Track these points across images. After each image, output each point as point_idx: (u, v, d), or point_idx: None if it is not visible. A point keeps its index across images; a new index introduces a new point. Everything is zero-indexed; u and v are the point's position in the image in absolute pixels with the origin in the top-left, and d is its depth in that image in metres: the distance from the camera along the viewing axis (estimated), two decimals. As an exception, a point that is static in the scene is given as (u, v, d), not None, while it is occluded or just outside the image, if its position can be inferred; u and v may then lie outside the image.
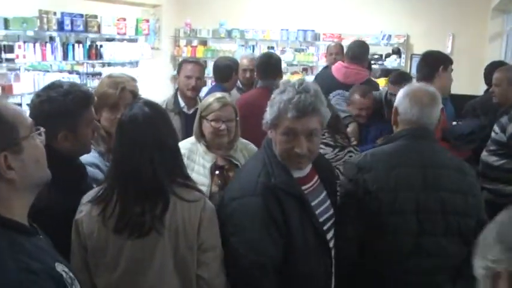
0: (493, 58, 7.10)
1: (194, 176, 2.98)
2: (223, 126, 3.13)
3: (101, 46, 9.18)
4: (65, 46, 8.39)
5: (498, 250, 0.92)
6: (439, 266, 2.55)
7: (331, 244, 2.46)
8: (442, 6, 10.40)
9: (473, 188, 2.66)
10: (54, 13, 8.07)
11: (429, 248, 2.52)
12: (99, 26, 8.97)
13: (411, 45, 10.96)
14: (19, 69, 7.59)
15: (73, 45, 8.55)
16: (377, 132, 4.44)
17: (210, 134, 3.16)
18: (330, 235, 2.46)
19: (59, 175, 2.04)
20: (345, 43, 7.08)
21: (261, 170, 2.31)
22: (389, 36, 10.85)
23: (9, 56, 7.23)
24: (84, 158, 2.58)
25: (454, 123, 4.58)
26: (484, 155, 4.18)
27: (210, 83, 8.46)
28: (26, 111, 2.34)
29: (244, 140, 3.36)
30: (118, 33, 9.55)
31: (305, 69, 11.59)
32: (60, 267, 1.57)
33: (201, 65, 4.78)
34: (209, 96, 3.35)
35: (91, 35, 8.99)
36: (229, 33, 11.71)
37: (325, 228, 2.41)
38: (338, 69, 5.30)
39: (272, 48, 11.18)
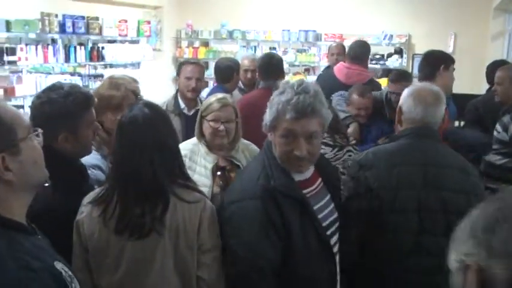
0: (495, 57, 7.09)
1: (196, 177, 2.99)
2: (221, 126, 3.12)
3: (103, 48, 9.20)
4: (67, 48, 8.41)
5: (470, 244, 0.96)
6: (439, 266, 2.54)
7: (336, 249, 2.41)
8: (443, 6, 10.39)
9: (476, 188, 2.65)
10: (56, 15, 8.09)
11: (429, 247, 2.52)
12: (100, 28, 8.99)
13: (413, 45, 10.96)
14: (21, 71, 7.60)
15: (75, 47, 8.57)
16: (378, 132, 4.43)
17: (209, 134, 3.16)
18: (334, 239, 2.40)
19: (60, 176, 2.06)
20: (347, 43, 7.06)
21: (260, 173, 2.26)
22: (391, 36, 10.85)
23: (11, 58, 7.25)
24: (87, 160, 2.59)
25: (456, 123, 4.57)
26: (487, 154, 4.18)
27: (211, 84, 8.47)
28: (28, 113, 2.37)
29: (245, 141, 3.35)
30: (119, 35, 9.56)
31: (307, 70, 11.58)
32: (59, 266, 1.58)
33: (201, 66, 4.77)
34: (211, 97, 3.36)
35: (93, 37, 9.00)
36: (230, 34, 11.72)
37: (328, 232, 2.35)
38: (340, 70, 5.30)
39: (274, 49, 11.18)
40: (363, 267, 2.58)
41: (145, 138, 2.19)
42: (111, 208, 2.17)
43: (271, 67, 4.85)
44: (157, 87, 9.46)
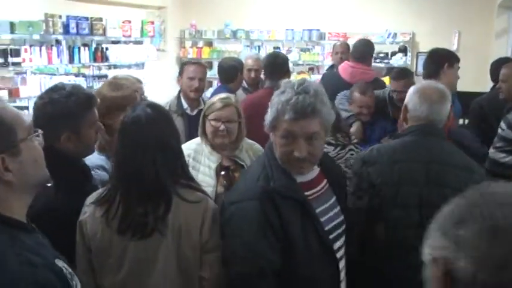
0: (499, 55, 7.06)
1: (200, 176, 3.00)
2: (222, 126, 3.11)
3: (107, 49, 9.21)
4: (71, 49, 8.42)
5: (440, 238, 0.99)
6: None
7: (341, 253, 2.34)
8: (447, 4, 10.36)
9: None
10: (60, 16, 8.10)
11: None
12: (104, 29, 8.99)
13: (417, 43, 10.93)
14: (25, 72, 7.62)
15: (79, 48, 8.58)
16: (381, 131, 4.42)
17: (210, 133, 3.16)
18: (338, 244, 2.33)
19: (63, 176, 2.07)
20: (351, 42, 7.07)
21: (260, 174, 2.22)
22: (395, 34, 10.83)
23: (15, 59, 7.26)
24: (92, 161, 2.60)
25: (461, 121, 4.56)
26: (491, 152, 4.16)
27: (215, 83, 8.48)
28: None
29: (249, 141, 3.34)
30: (123, 36, 9.57)
31: (311, 69, 11.56)
32: (60, 263, 1.59)
33: (203, 66, 4.77)
34: (214, 96, 3.36)
35: (96, 38, 9.01)
36: (234, 33, 11.72)
37: (331, 236, 2.29)
38: (344, 69, 5.30)
39: (278, 48, 11.17)
40: (363, 265, 2.56)
41: (147, 138, 2.20)
42: (113, 208, 2.18)
43: (276, 66, 4.83)
44: (162, 88, 9.47)
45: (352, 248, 2.44)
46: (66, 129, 2.31)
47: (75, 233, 2.23)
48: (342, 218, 2.37)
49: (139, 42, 10.24)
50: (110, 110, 2.73)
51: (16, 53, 7.27)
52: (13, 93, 7.21)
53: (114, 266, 2.20)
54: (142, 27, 10.01)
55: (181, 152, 2.36)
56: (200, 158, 3.18)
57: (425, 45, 9.96)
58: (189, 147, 3.17)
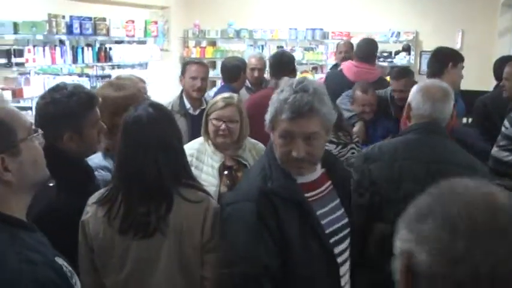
0: (502, 53, 7.03)
1: (203, 176, 3.00)
2: (223, 126, 3.10)
3: (110, 49, 9.22)
4: (75, 49, 8.43)
5: (405, 232, 1.04)
6: None
7: (343, 257, 2.26)
8: (451, 3, 10.35)
9: None
10: (63, 17, 8.11)
11: None
12: (107, 29, 9.00)
13: (420, 42, 10.93)
14: (29, 73, 7.64)
15: (82, 48, 8.60)
16: (384, 131, 4.41)
17: (212, 132, 3.15)
18: (341, 248, 2.25)
19: (65, 176, 2.07)
20: (354, 41, 7.06)
21: (258, 174, 2.17)
22: (398, 33, 10.82)
23: (19, 60, 7.27)
24: (96, 162, 2.61)
25: (464, 120, 4.55)
26: (495, 150, 4.13)
27: (219, 83, 8.48)
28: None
29: (253, 140, 3.33)
30: (127, 36, 9.57)
31: (314, 68, 11.56)
32: (60, 261, 1.60)
33: (205, 65, 4.75)
34: (218, 96, 3.36)
35: (100, 38, 9.02)
36: (237, 33, 11.72)
37: (333, 240, 2.21)
38: (349, 68, 5.29)
39: (281, 47, 11.15)
40: (363, 267, 2.53)
41: (149, 137, 2.19)
42: (115, 208, 2.18)
43: (281, 65, 4.78)
44: (165, 87, 9.47)
45: (353, 250, 2.38)
46: (68, 129, 2.31)
47: (77, 233, 2.23)
48: (345, 220, 2.30)
49: (143, 42, 10.25)
50: (118, 110, 2.72)
51: (19, 53, 7.28)
52: (17, 94, 7.23)
53: (116, 266, 2.20)
54: (145, 27, 10.02)
55: (183, 151, 2.36)
56: (203, 158, 3.18)
57: (429, 44, 9.95)
58: (192, 147, 3.17)
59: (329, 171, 2.32)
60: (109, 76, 8.93)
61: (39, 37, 7.80)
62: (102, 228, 2.19)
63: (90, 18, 8.60)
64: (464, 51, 8.16)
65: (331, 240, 2.20)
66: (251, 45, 11.74)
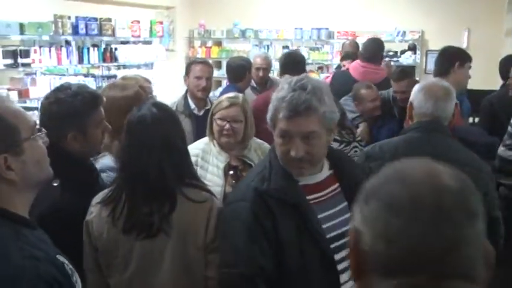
0: (509, 52, 6.99)
1: (208, 176, 3.00)
2: (227, 125, 3.09)
3: (116, 49, 9.23)
4: (80, 50, 8.45)
5: (355, 211, 1.07)
6: None
7: (344, 265, 2.11)
8: (456, 2, 10.31)
9: (484, 185, 2.61)
10: (69, 17, 8.12)
11: None
12: (113, 29, 9.01)
13: (426, 41, 10.89)
14: (35, 73, 7.67)
15: (88, 49, 8.62)
16: (389, 132, 4.38)
17: (216, 132, 3.15)
18: (344, 253, 2.10)
19: (69, 176, 2.07)
20: (360, 41, 7.06)
21: (257, 174, 2.15)
22: (404, 32, 10.78)
23: (25, 60, 7.30)
24: (104, 163, 2.62)
25: (471, 119, 4.53)
26: (501, 149, 4.13)
27: (224, 83, 8.48)
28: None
29: (258, 140, 3.32)
30: (132, 36, 9.58)
31: (320, 68, 11.56)
32: (61, 259, 1.61)
33: (210, 65, 4.71)
34: (223, 95, 3.36)
35: (106, 38, 9.03)
36: (243, 33, 11.71)
37: (333, 245, 2.10)
38: (356, 68, 5.29)
39: (287, 47, 11.15)
40: None
41: (153, 137, 2.20)
42: (119, 208, 2.19)
43: (295, 64, 4.72)
44: (171, 87, 9.48)
45: None
46: (72, 129, 2.31)
47: (81, 232, 2.24)
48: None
49: (148, 43, 10.26)
50: (121, 110, 2.72)
51: (26, 54, 7.32)
52: (23, 94, 7.27)
53: (120, 265, 2.21)
54: (151, 28, 10.03)
55: (187, 151, 2.35)
56: (208, 158, 3.17)
57: (435, 44, 9.93)
58: (197, 147, 3.17)
59: (338, 173, 2.24)
60: (115, 76, 8.93)
61: (45, 38, 7.83)
62: (106, 228, 2.19)
63: (95, 19, 8.62)
64: (471, 50, 8.10)
65: (332, 246, 2.11)
66: (256, 45, 11.73)
